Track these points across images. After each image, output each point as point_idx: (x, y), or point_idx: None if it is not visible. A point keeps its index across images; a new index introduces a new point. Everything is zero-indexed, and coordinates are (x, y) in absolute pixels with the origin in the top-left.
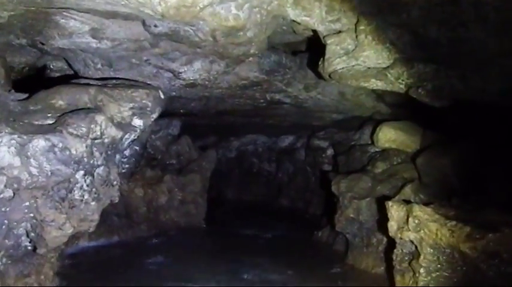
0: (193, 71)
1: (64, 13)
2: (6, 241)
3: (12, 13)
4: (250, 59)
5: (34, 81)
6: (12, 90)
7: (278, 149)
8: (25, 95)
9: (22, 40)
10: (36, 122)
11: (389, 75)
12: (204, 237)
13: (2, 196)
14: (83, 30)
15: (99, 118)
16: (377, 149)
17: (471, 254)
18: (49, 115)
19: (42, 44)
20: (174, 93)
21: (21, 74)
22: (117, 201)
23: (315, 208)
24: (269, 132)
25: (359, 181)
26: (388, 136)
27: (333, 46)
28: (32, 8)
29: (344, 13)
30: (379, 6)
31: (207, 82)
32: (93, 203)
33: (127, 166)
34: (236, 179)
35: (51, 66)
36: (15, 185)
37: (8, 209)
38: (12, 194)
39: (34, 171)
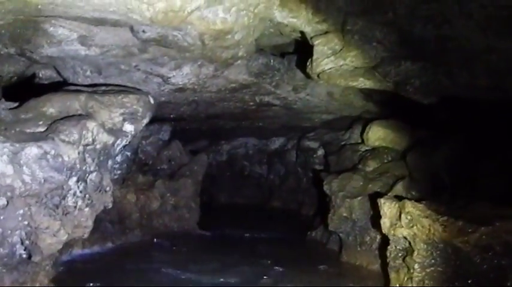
0: (182, 75)
1: (52, 21)
2: (1, 249)
3: (0, 22)
4: (239, 62)
5: (24, 90)
6: (3, 99)
7: (269, 151)
8: (15, 104)
9: (11, 49)
10: (28, 130)
11: (377, 73)
12: (198, 241)
13: None
14: (71, 38)
15: (91, 124)
16: (367, 148)
17: (464, 248)
18: (40, 123)
19: (31, 52)
20: (163, 98)
21: (10, 83)
22: (110, 207)
23: (307, 209)
24: (259, 135)
25: (351, 179)
26: (378, 135)
27: (320, 47)
28: (21, 17)
29: (330, 14)
30: (365, 6)
31: (196, 86)
32: (86, 209)
33: (119, 171)
34: (228, 183)
35: (40, 75)
36: (9, 194)
37: (1, 217)
38: (5, 203)
39: (27, 179)
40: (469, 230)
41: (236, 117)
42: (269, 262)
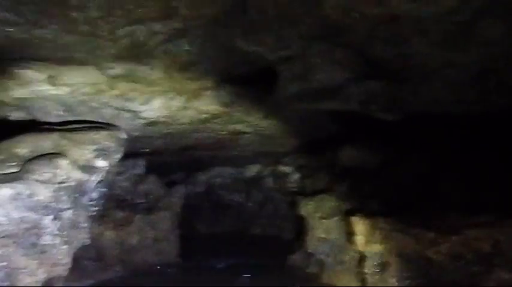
0: (153, 109)
1: (21, 64)
2: None
3: None
4: (208, 92)
5: None
6: None
7: (245, 179)
8: None
9: None
10: (1, 172)
11: (342, 94)
12: (179, 273)
13: None
14: (40, 79)
15: (63, 163)
16: (341, 168)
17: (437, 258)
18: (13, 164)
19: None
20: (136, 132)
21: None
22: (88, 244)
23: (287, 233)
24: (235, 163)
25: (325, 200)
26: (350, 155)
27: (285, 72)
28: None
29: (293, 40)
30: (326, 30)
31: (168, 119)
32: (64, 247)
33: (96, 208)
34: (207, 213)
35: (11, 116)
36: None
37: None
38: None
39: (3, 220)
40: (440, 241)
41: (210, 148)
42: None
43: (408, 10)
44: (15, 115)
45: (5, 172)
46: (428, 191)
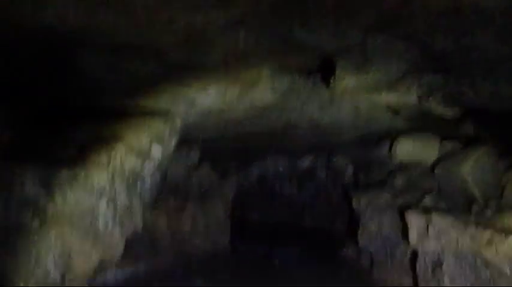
0: (209, 97)
1: (80, 50)
2: (36, 269)
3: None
4: (264, 81)
5: (55, 115)
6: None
7: (298, 169)
8: (48, 129)
9: (40, 78)
10: (59, 154)
11: (400, 87)
12: (229, 260)
13: (29, 226)
14: (99, 64)
15: (119, 147)
16: (395, 163)
17: (493, 258)
18: (71, 147)
19: (61, 80)
20: (191, 120)
21: (43, 109)
22: (140, 229)
23: (339, 226)
24: (289, 154)
25: (379, 195)
26: (406, 149)
27: (342, 63)
28: (48, 48)
29: (351, 29)
30: (385, 21)
31: (223, 107)
32: (117, 231)
33: (149, 194)
34: (259, 202)
35: (71, 101)
36: (42, 216)
37: (35, 238)
38: (39, 224)
39: (59, 201)
40: (498, 241)
41: (264, 137)
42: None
43: (472, 1)
44: (74, 99)
45: (63, 155)
46: (489, 188)
